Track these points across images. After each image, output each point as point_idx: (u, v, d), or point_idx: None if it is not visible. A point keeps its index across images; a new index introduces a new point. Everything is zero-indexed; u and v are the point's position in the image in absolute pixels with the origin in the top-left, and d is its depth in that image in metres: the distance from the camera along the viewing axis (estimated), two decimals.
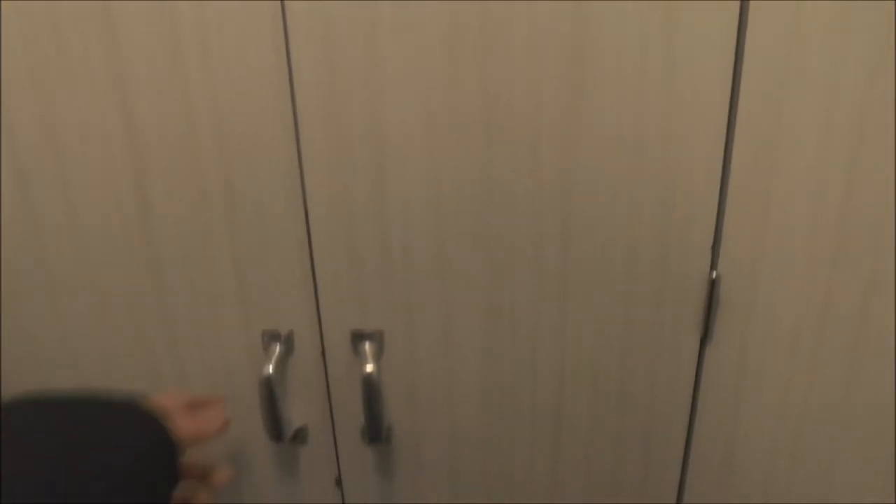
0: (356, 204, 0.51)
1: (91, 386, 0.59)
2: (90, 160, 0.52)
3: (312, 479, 0.63)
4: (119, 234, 0.54)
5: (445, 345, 0.56)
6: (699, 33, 0.44)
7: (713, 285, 0.51)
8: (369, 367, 0.54)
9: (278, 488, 0.64)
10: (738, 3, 0.44)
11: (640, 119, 0.47)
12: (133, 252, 0.55)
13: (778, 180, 0.48)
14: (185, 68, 0.48)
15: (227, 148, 0.51)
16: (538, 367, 0.56)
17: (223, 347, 0.58)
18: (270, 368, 0.55)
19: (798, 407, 0.55)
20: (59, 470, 0.37)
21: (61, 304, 0.57)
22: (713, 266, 0.51)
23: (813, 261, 0.50)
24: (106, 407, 0.44)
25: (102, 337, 0.58)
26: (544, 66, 0.46)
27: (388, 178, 0.50)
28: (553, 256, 0.52)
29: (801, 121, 0.46)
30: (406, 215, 0.52)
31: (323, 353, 0.57)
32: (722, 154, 0.48)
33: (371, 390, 0.55)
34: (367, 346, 0.56)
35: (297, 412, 0.60)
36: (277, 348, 0.56)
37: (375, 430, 0.56)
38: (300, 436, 0.61)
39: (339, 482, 0.63)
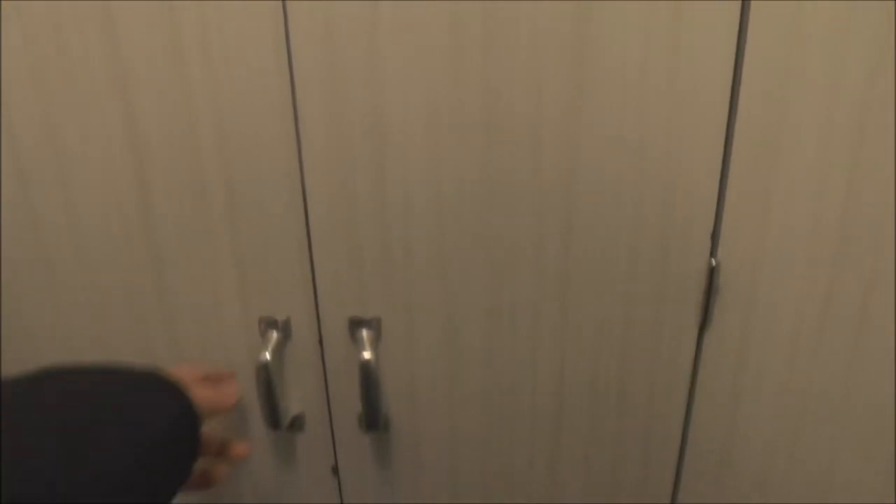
0: (356, 202, 0.51)
1: None
2: (90, 160, 0.52)
3: (309, 466, 0.63)
4: (119, 233, 0.54)
5: (444, 336, 0.56)
6: (700, 33, 0.44)
7: (713, 285, 0.51)
8: (367, 355, 0.54)
9: (275, 476, 0.64)
10: (739, 3, 0.44)
11: (641, 118, 0.47)
12: (133, 251, 0.55)
13: (778, 179, 0.48)
14: (185, 68, 0.48)
15: (227, 147, 0.51)
16: (538, 364, 0.56)
17: (221, 335, 0.58)
18: (268, 355, 0.54)
19: (797, 406, 0.55)
20: (86, 442, 0.36)
21: (61, 303, 0.57)
22: (713, 266, 0.51)
23: (813, 260, 0.50)
24: (130, 377, 0.43)
25: (103, 336, 0.58)
26: (545, 66, 0.46)
27: (389, 176, 0.50)
28: (553, 255, 0.52)
29: (801, 120, 0.46)
30: (406, 213, 0.52)
31: (320, 341, 0.57)
32: (722, 153, 0.48)
33: (368, 378, 0.55)
34: (365, 333, 0.55)
35: (294, 400, 0.60)
36: (275, 335, 0.56)
37: (373, 418, 0.56)
38: (297, 423, 0.60)
39: (335, 470, 0.63)
